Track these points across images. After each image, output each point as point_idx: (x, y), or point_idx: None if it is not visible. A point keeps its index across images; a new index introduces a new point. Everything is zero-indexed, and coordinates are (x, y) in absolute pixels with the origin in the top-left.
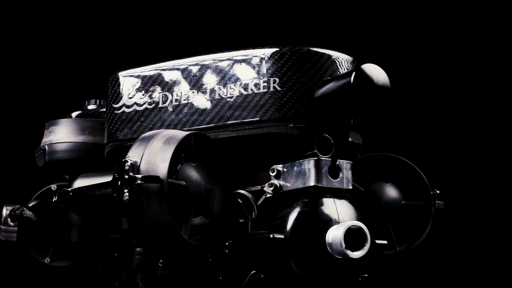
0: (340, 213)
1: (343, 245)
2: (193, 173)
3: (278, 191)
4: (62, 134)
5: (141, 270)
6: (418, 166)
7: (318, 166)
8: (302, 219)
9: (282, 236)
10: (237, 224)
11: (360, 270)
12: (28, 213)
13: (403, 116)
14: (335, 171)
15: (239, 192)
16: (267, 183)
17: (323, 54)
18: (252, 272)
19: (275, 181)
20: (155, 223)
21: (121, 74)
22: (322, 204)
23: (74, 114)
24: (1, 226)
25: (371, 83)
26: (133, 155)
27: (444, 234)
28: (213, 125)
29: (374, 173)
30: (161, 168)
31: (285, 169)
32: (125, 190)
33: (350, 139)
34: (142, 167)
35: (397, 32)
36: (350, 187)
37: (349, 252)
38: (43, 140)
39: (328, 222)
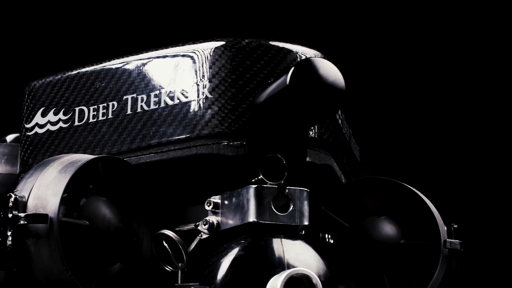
0: (289, 258)
1: None
2: (100, 210)
3: (215, 230)
4: None
5: None
6: (425, 193)
7: (258, 196)
8: (235, 267)
9: None
10: (166, 274)
11: None
12: None
13: (405, 127)
14: (282, 203)
15: (165, 234)
16: (202, 221)
17: (271, 47)
18: None
19: (211, 218)
20: (46, 274)
21: (37, 83)
22: (263, 247)
23: (9, 138)
24: None
25: (314, 83)
26: (21, 188)
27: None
28: (135, 146)
29: (366, 202)
30: (51, 204)
31: (225, 201)
32: (9, 233)
33: (308, 159)
34: (30, 203)
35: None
36: (306, 223)
37: None
38: None
39: (270, 270)
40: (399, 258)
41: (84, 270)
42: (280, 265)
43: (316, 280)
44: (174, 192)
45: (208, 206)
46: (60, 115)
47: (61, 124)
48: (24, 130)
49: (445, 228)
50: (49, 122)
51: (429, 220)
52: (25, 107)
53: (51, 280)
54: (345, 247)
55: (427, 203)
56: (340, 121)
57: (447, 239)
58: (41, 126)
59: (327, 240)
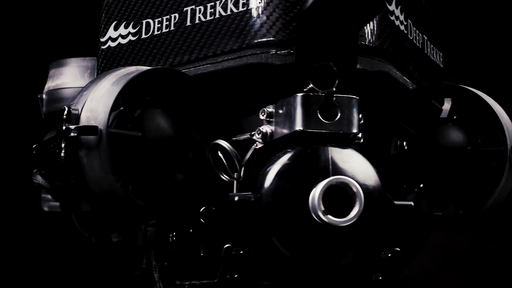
0: (335, 167)
1: (320, 208)
2: (153, 120)
3: (268, 139)
4: (66, 78)
5: (154, 245)
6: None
7: (305, 104)
8: (280, 176)
9: (252, 199)
10: (223, 184)
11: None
12: (38, 178)
13: None
14: (329, 110)
15: (220, 144)
16: (256, 130)
17: None
18: (226, 247)
19: (265, 127)
20: (99, 185)
21: None
22: (309, 156)
23: None
24: (42, 195)
25: None
26: (77, 102)
27: None
28: (193, 57)
29: (434, 109)
30: (101, 115)
31: (278, 110)
32: (62, 145)
33: (359, 66)
34: (83, 115)
35: None
36: (354, 131)
37: (327, 218)
38: (45, 86)
39: (315, 179)
40: (465, 165)
41: (139, 182)
42: (325, 174)
43: (357, 188)
44: (230, 103)
45: (263, 116)
46: (130, 29)
47: (130, 37)
48: (99, 44)
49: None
50: (120, 35)
51: (497, 127)
52: (101, 22)
53: (105, 192)
54: (412, 154)
55: (496, 109)
56: (403, 26)
57: None
58: (113, 40)
59: (394, 148)
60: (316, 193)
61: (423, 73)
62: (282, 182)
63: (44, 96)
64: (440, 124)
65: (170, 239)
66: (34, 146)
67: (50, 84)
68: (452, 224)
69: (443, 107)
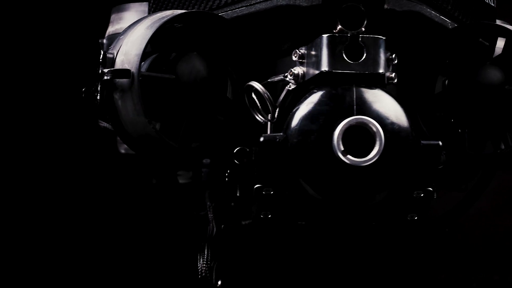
0: (360, 107)
1: (339, 148)
2: (188, 63)
3: (300, 80)
4: (126, 23)
5: (208, 185)
6: None
7: (330, 45)
8: (304, 117)
9: (278, 139)
10: (257, 126)
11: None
12: (103, 122)
13: None
14: (355, 50)
15: (253, 86)
16: (289, 71)
17: None
18: (256, 187)
19: (297, 68)
20: (133, 127)
21: None
22: (334, 96)
23: None
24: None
25: None
26: (114, 46)
27: None
28: (230, 0)
29: (473, 48)
30: (134, 59)
31: (310, 51)
32: (98, 88)
33: (386, 6)
34: (118, 59)
35: None
36: (381, 71)
37: (346, 158)
38: (106, 31)
39: (339, 120)
40: (503, 103)
41: (174, 124)
42: (349, 114)
43: (377, 127)
44: (266, 45)
45: (295, 57)
46: None
47: None
48: None
49: None
50: None
51: None
52: None
53: (140, 134)
54: (450, 93)
55: None
56: None
57: None
58: None
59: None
60: (336, 133)
61: (467, 11)
62: (307, 122)
63: (105, 41)
64: (480, 63)
65: (222, 179)
66: (83, 89)
67: (110, 29)
68: (496, 163)
69: (497, 46)
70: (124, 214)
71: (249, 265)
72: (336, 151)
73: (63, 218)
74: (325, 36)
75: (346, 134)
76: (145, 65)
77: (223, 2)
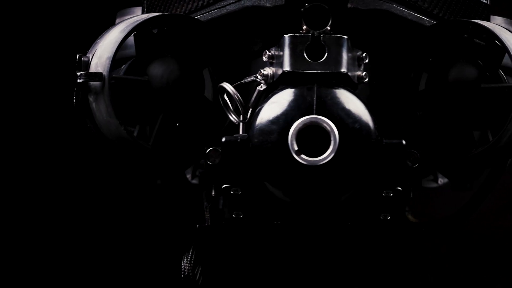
0: (320, 106)
1: (293, 148)
2: (160, 66)
3: (270, 80)
4: None
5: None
6: None
7: (292, 45)
8: (263, 117)
9: (239, 140)
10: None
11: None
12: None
13: None
14: (316, 50)
15: (223, 87)
16: (259, 72)
17: None
18: (224, 187)
19: (267, 68)
20: (108, 129)
21: None
22: (295, 96)
23: None
24: None
25: None
26: (91, 49)
27: None
28: (206, 3)
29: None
30: (106, 62)
31: (277, 53)
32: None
33: (350, 5)
34: (93, 62)
35: None
36: (342, 70)
37: (300, 157)
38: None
39: (295, 119)
40: (479, 102)
41: (147, 126)
42: (309, 114)
43: (331, 127)
44: (240, 47)
45: (265, 58)
46: None
47: None
48: None
49: None
50: None
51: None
52: None
53: (114, 136)
54: (428, 91)
55: (508, 44)
56: None
57: None
58: None
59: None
60: (290, 133)
61: (451, 9)
62: (267, 123)
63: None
64: (455, 60)
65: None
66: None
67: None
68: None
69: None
70: (126, 215)
71: (227, 264)
72: (290, 151)
73: (64, 218)
74: (287, 36)
75: (303, 134)
76: (124, 68)
77: (199, 5)
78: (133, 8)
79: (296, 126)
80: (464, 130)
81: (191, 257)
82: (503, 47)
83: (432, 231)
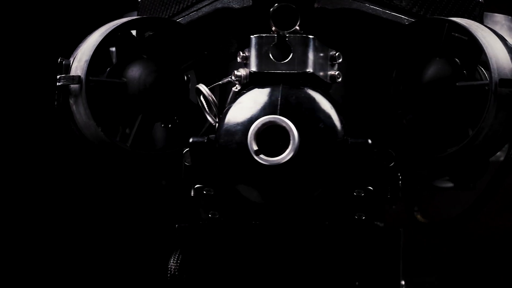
0: (284, 107)
1: (252, 148)
2: (137, 68)
3: (244, 81)
4: None
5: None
6: None
7: (257, 45)
8: (231, 117)
9: (205, 141)
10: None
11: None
12: None
13: None
14: (281, 50)
15: (199, 88)
16: (233, 73)
17: None
18: (196, 187)
19: (241, 70)
20: (87, 131)
21: None
22: (260, 96)
23: None
24: None
25: None
26: (74, 53)
27: None
28: (185, 5)
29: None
30: (83, 65)
31: (248, 54)
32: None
33: (316, 5)
34: (73, 66)
35: None
36: (308, 70)
37: (259, 157)
38: None
39: (256, 119)
40: (455, 100)
41: (127, 128)
42: (273, 114)
43: (290, 126)
44: (217, 49)
45: (239, 59)
46: None
47: None
48: None
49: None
50: None
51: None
52: None
53: (93, 137)
54: (402, 89)
55: (487, 41)
56: None
57: (505, 78)
58: None
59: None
60: (249, 133)
61: (434, 6)
62: (233, 124)
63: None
64: (431, 58)
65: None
66: None
67: None
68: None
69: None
70: (130, 216)
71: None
72: (250, 151)
73: (64, 218)
74: (253, 37)
75: (264, 134)
76: (107, 71)
77: (181, 8)
78: (130, 13)
79: (255, 126)
80: (442, 129)
81: (178, 256)
82: (478, 45)
83: (437, 232)
